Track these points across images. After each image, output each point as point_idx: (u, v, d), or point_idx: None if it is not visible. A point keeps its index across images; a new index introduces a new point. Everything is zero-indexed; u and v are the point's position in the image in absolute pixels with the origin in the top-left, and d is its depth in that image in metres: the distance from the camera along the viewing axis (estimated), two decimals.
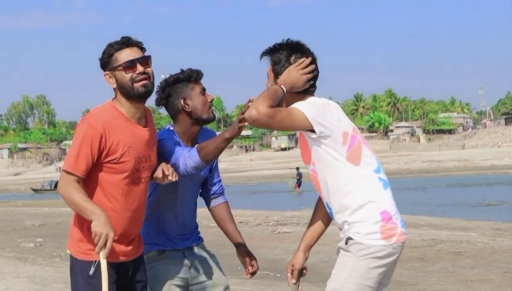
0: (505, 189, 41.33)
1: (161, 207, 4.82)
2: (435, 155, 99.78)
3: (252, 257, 5.04)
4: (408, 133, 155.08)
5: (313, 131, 4.20)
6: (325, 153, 4.25)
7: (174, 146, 4.66)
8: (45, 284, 11.09)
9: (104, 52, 4.38)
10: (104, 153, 4.27)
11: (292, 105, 4.23)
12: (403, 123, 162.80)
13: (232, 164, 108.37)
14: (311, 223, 4.66)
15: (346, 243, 4.24)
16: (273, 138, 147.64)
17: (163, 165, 4.44)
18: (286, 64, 4.36)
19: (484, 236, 17.03)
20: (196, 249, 4.96)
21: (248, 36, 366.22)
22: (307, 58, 4.38)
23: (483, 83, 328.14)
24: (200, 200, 5.12)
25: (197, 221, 5.11)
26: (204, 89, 4.83)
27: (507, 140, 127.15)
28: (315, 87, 4.44)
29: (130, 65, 4.32)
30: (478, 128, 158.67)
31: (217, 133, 4.89)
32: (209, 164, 4.63)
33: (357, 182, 4.24)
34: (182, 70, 4.84)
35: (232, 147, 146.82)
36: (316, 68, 4.41)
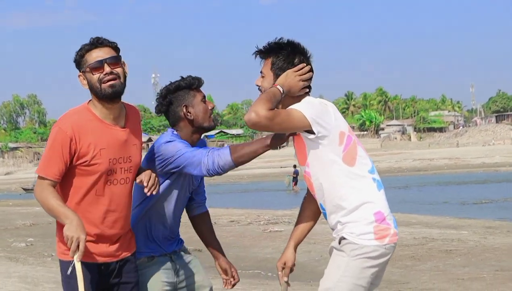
0: (496, 187, 41.42)
1: (154, 214, 4.78)
2: (426, 153, 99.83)
3: (233, 267, 5.05)
4: (399, 131, 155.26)
5: (310, 132, 4.20)
6: (322, 154, 4.24)
7: (187, 146, 4.62)
8: (37, 283, 11.07)
9: (76, 54, 4.38)
10: (76, 155, 4.27)
11: (290, 107, 4.23)
12: (394, 122, 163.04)
13: None
14: (299, 220, 4.66)
15: (339, 243, 4.24)
16: None
17: (146, 174, 4.40)
18: (289, 65, 4.34)
19: (475, 234, 17.07)
20: (180, 253, 4.95)
21: (239, 34, 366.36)
22: (307, 63, 4.37)
23: (474, 81, 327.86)
24: None
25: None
26: (204, 97, 4.80)
27: (498, 138, 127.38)
28: (311, 87, 4.43)
29: (97, 66, 4.30)
30: (469, 126, 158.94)
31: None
32: (239, 166, 4.57)
33: (351, 183, 4.24)
34: (182, 77, 4.79)
35: (223, 145, 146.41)
36: (312, 70, 4.41)
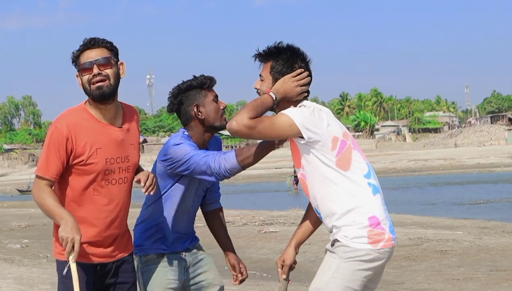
0: (491, 187, 41.46)
1: (166, 213, 4.79)
2: (421, 153, 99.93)
3: (241, 264, 5.05)
4: (394, 132, 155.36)
5: (302, 137, 4.20)
6: (314, 158, 4.24)
7: (195, 149, 4.60)
8: (32, 285, 11.05)
9: (72, 54, 4.40)
10: (72, 155, 4.29)
11: (281, 112, 4.22)
12: (389, 123, 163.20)
13: None
14: (304, 220, 4.66)
15: (332, 245, 4.25)
16: None
17: (144, 173, 4.42)
18: (288, 70, 4.34)
19: (470, 234, 17.07)
20: (193, 250, 4.95)
21: (234, 35, 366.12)
22: (306, 69, 4.37)
23: (468, 82, 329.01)
24: None
25: None
26: (216, 97, 4.79)
27: (492, 138, 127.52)
28: (309, 92, 4.44)
29: (86, 67, 4.32)
30: (464, 127, 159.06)
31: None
32: (246, 168, 4.54)
33: (345, 187, 4.24)
34: (195, 76, 4.78)
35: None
36: (310, 75, 4.41)
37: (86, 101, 4.41)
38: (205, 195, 5.05)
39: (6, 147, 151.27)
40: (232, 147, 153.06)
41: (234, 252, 5.08)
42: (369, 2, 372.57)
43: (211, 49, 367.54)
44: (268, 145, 4.46)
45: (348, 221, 4.21)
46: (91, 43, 4.35)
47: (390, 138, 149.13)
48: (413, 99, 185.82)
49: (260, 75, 4.42)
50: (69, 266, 4.18)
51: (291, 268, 4.66)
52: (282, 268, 4.63)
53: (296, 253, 4.66)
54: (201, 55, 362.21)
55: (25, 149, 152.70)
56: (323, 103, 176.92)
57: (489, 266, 12.57)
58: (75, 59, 4.37)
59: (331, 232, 4.32)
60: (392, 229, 4.31)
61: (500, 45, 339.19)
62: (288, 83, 4.29)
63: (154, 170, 4.72)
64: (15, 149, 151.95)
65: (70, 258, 4.12)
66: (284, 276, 4.63)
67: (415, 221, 21.56)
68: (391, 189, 42.42)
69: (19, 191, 64.90)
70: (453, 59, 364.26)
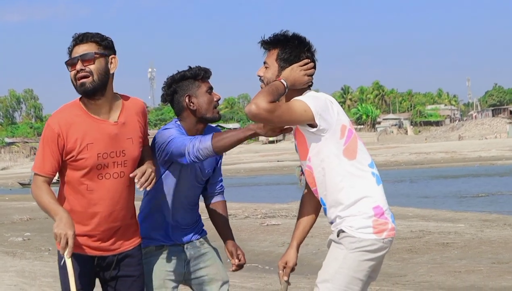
0: (492, 180, 41.48)
1: (162, 202, 4.78)
2: (423, 146, 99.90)
3: (239, 250, 5.03)
4: (395, 125, 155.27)
5: (312, 125, 4.19)
6: (323, 147, 4.24)
7: (182, 135, 4.60)
8: (34, 278, 11.07)
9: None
10: (64, 151, 4.31)
11: (294, 98, 4.22)
12: (391, 116, 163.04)
13: None
14: (300, 218, 4.66)
15: (338, 236, 4.25)
16: None
17: (140, 169, 4.36)
18: (295, 59, 4.33)
19: (472, 227, 17.08)
20: (197, 243, 4.92)
21: (235, 28, 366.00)
22: (312, 58, 4.37)
23: (470, 75, 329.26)
24: None
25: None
26: (211, 88, 4.77)
27: (494, 131, 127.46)
28: (312, 82, 4.44)
29: (70, 63, 4.33)
30: (465, 120, 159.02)
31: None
32: (219, 153, 4.50)
33: (351, 177, 4.24)
34: (190, 67, 4.77)
35: None
36: (315, 66, 4.41)
37: (81, 96, 4.41)
38: (205, 188, 5.03)
39: (7, 140, 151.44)
40: None
41: (233, 239, 5.04)
42: None
43: (213, 41, 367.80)
44: (246, 130, 4.41)
45: (353, 211, 4.22)
46: (79, 39, 4.35)
47: (392, 132, 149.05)
48: (415, 93, 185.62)
49: (265, 62, 4.40)
50: (65, 260, 4.21)
51: (292, 269, 4.65)
52: (283, 270, 4.62)
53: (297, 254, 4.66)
54: (203, 48, 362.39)
55: (27, 142, 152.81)
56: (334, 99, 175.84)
57: (490, 259, 12.58)
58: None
59: (333, 222, 4.32)
60: (393, 219, 4.33)
61: (502, 38, 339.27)
62: (297, 71, 4.29)
63: None
64: (17, 142, 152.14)
65: (65, 253, 4.14)
66: (285, 278, 4.62)
67: (417, 214, 21.57)
68: (393, 182, 42.45)
69: (21, 184, 65.05)
70: (454, 53, 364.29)
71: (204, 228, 5.04)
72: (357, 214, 4.21)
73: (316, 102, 4.18)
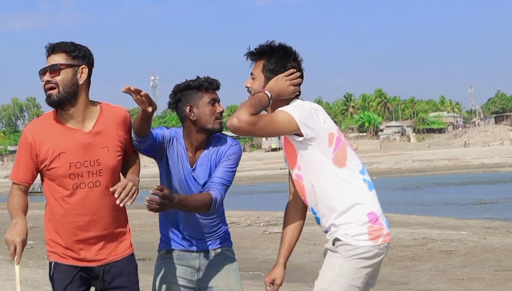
0: (496, 187, 41.37)
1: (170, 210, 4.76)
2: (425, 154, 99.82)
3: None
4: (398, 133, 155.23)
5: (298, 134, 4.20)
6: (311, 156, 4.25)
7: (163, 132, 4.69)
8: (36, 286, 11.07)
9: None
10: (38, 160, 4.34)
11: (279, 109, 4.23)
12: (393, 123, 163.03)
13: None
14: (285, 234, 4.68)
15: (333, 244, 4.25)
16: (263, 139, 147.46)
17: (121, 184, 4.24)
18: (281, 69, 4.34)
19: (475, 234, 17.04)
20: (212, 253, 4.89)
21: (237, 36, 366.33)
22: (298, 68, 4.38)
23: (473, 82, 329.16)
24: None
25: None
26: (214, 100, 4.77)
27: (497, 138, 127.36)
28: (300, 91, 4.44)
29: (40, 74, 4.35)
30: (468, 127, 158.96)
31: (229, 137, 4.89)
32: (139, 135, 4.46)
33: (343, 184, 4.25)
34: (198, 77, 4.79)
35: None
36: (302, 75, 4.41)
37: None
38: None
39: (10, 148, 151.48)
40: None
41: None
42: (372, 2, 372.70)
43: (216, 49, 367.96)
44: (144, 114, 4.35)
45: (347, 219, 4.23)
46: (50, 49, 4.37)
47: (395, 139, 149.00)
48: (417, 100, 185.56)
49: (252, 74, 4.44)
50: (54, 265, 4.37)
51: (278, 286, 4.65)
52: (270, 286, 4.62)
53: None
54: (205, 55, 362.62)
55: None
56: (327, 104, 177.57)
57: (494, 266, 12.56)
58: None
59: (327, 231, 4.33)
60: (388, 224, 4.34)
61: (504, 45, 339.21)
62: (282, 82, 4.30)
63: None
64: None
65: (14, 260, 4.16)
66: None
67: (419, 221, 21.52)
68: (395, 189, 42.39)
69: None
70: (457, 60, 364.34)
71: (228, 238, 5.00)
72: (352, 221, 4.22)
73: (300, 111, 4.18)
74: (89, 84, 4.41)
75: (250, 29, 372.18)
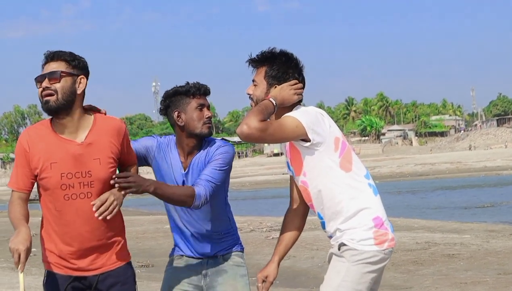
0: (498, 191, 41.36)
1: (172, 214, 4.86)
2: (428, 157, 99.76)
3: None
4: (400, 136, 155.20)
5: (305, 140, 4.21)
6: (318, 161, 4.26)
7: (148, 140, 4.84)
8: None
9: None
10: (32, 168, 4.32)
11: (286, 115, 4.24)
12: (395, 127, 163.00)
13: None
14: (283, 234, 4.68)
15: (339, 249, 4.26)
16: (265, 144, 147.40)
17: (101, 198, 4.22)
18: (283, 75, 4.36)
19: (477, 238, 17.03)
20: (220, 259, 4.90)
21: (238, 41, 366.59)
22: (299, 74, 4.40)
23: (474, 85, 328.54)
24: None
25: None
26: (202, 105, 4.77)
27: (499, 141, 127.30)
28: (302, 98, 4.46)
29: (39, 80, 4.32)
30: (470, 130, 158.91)
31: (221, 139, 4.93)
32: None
33: (349, 189, 4.27)
34: (187, 83, 4.81)
35: None
36: (303, 82, 4.44)
37: None
38: None
39: (12, 156, 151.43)
40: (239, 154, 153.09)
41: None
42: (373, 7, 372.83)
43: (217, 55, 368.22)
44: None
45: (353, 224, 4.24)
46: (50, 56, 4.35)
47: (397, 143, 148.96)
48: (419, 103, 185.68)
49: (253, 81, 4.45)
50: (47, 274, 4.42)
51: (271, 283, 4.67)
52: (262, 283, 4.64)
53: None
54: (207, 61, 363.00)
55: None
56: (329, 109, 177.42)
57: (496, 270, 12.56)
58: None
59: (331, 236, 4.34)
60: (392, 229, 4.35)
61: (506, 48, 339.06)
62: (286, 91, 4.32)
63: None
64: None
65: (19, 268, 4.16)
66: None
67: (422, 225, 21.52)
68: (398, 193, 42.38)
69: None
70: (458, 63, 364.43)
71: (237, 243, 5.01)
72: (358, 226, 4.23)
73: (307, 117, 4.20)
74: (84, 96, 4.39)
75: (251, 35, 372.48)
